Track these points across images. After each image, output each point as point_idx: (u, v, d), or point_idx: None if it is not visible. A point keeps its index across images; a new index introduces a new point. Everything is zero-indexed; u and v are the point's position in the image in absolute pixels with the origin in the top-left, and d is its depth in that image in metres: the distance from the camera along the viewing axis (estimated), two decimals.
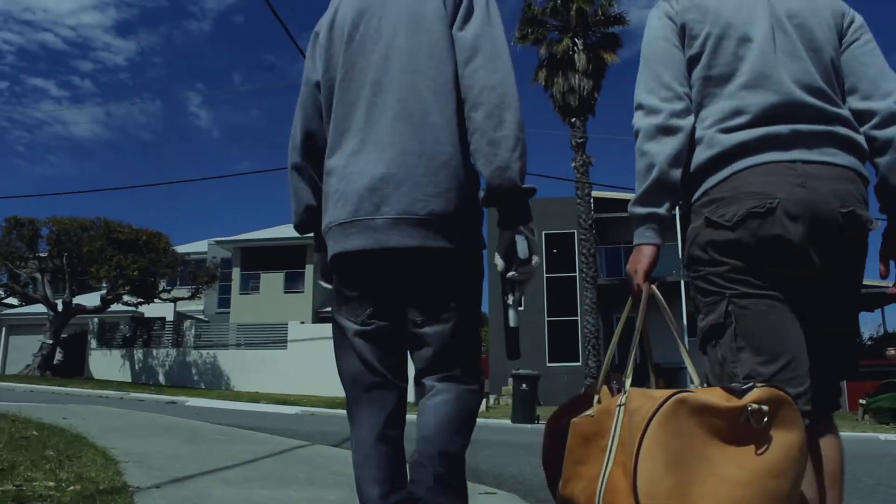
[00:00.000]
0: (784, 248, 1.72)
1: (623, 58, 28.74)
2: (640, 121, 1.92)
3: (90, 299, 25.76)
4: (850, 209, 1.72)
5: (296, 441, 6.44)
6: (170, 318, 29.55)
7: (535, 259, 1.78)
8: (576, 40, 24.74)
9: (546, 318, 28.91)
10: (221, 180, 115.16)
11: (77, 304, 23.71)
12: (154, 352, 26.01)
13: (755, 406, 1.51)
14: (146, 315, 29.79)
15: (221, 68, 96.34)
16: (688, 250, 1.93)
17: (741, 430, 1.51)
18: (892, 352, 30.55)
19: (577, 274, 27.76)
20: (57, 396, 15.97)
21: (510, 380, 15.74)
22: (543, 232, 31.84)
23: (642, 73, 1.97)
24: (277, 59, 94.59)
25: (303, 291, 33.81)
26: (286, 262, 34.10)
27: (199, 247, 37.84)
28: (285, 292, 34.03)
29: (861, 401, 20.93)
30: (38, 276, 22.44)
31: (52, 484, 3.00)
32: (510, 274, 1.77)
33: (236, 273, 34.44)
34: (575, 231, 26.95)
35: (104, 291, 23.84)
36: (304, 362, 23.96)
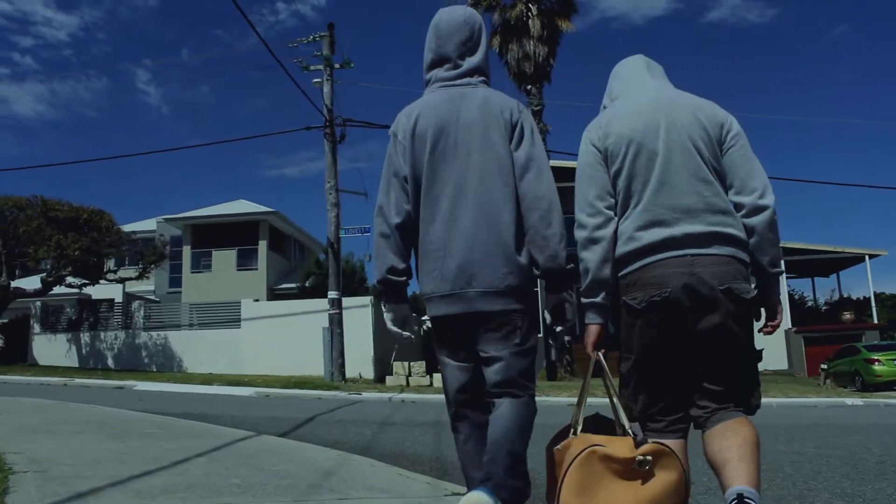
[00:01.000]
0: (676, 320, 2.38)
1: (579, 26, 28.27)
2: (575, 233, 2.54)
3: (31, 282, 24.61)
4: (727, 286, 2.35)
5: (239, 432, 5.84)
6: (119, 299, 28.51)
7: (575, 318, 2.55)
8: (530, 6, 24.08)
9: None
10: (171, 157, 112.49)
11: (16, 288, 22.57)
12: (102, 335, 24.98)
13: (641, 458, 2.24)
14: (94, 297, 28.69)
15: (169, 43, 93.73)
16: (614, 310, 2.55)
17: (633, 471, 2.24)
18: (848, 316, 30.83)
19: None
20: None
21: None
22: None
23: (576, 192, 2.56)
24: (226, 34, 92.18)
25: (256, 269, 32.95)
26: (238, 238, 33.16)
27: (147, 225, 36.60)
28: (238, 269, 33.16)
29: (822, 366, 20.95)
30: None
31: None
32: (558, 329, 2.58)
33: (187, 251, 33.45)
34: None
35: (45, 274, 22.68)
36: (258, 341, 23.22)
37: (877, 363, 21.44)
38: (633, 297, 2.44)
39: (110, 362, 24.59)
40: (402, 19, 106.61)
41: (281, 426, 7.22)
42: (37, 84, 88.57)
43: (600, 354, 2.53)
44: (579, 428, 2.43)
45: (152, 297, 33.27)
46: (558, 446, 2.41)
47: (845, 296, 35.29)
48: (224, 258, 33.31)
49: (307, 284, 28.15)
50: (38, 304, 25.50)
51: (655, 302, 2.38)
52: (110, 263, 25.80)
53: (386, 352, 22.94)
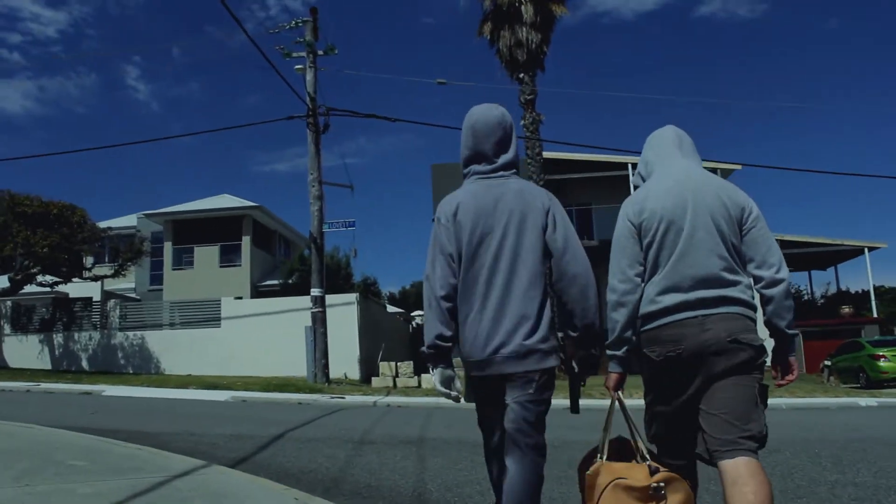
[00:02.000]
0: (688, 370, 2.81)
1: (569, 22, 27.34)
2: (608, 294, 3.00)
3: (1, 282, 23.55)
4: (735, 337, 2.75)
5: (184, 463, 4.92)
6: (97, 297, 27.46)
7: (598, 366, 3.05)
8: None
9: None
10: (159, 154, 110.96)
11: None
12: (76, 335, 23.95)
13: (656, 485, 2.74)
14: (72, 296, 27.63)
15: (159, 39, 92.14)
16: (639, 356, 2.99)
17: (649, 496, 2.73)
18: (847, 310, 30.09)
19: None
20: None
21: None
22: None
23: (611, 258, 3.01)
24: (218, 30, 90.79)
25: (239, 265, 31.92)
26: (221, 234, 32.11)
27: (128, 221, 35.48)
28: (221, 266, 32.12)
29: (826, 362, 20.15)
30: None
31: None
32: (584, 375, 3.06)
33: (168, 248, 32.39)
34: None
35: (13, 272, 21.60)
36: (240, 341, 22.27)
37: (882, 359, 20.65)
38: (652, 351, 2.88)
39: (84, 364, 23.59)
40: (387, 4, 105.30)
41: (242, 448, 6.30)
42: (25, 80, 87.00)
43: (620, 395, 3.04)
44: (604, 455, 2.93)
45: (133, 296, 32.20)
46: (589, 471, 2.88)
47: (843, 289, 34.57)
48: (206, 255, 32.26)
49: (290, 281, 27.17)
50: (9, 303, 24.45)
51: (671, 357, 2.81)
52: (89, 261, 24.79)
53: (372, 351, 22.03)
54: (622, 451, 2.99)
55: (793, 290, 3.86)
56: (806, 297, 35.31)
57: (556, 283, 2.88)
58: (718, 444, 2.71)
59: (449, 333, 2.86)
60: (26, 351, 23.80)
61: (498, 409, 2.88)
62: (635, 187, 3.23)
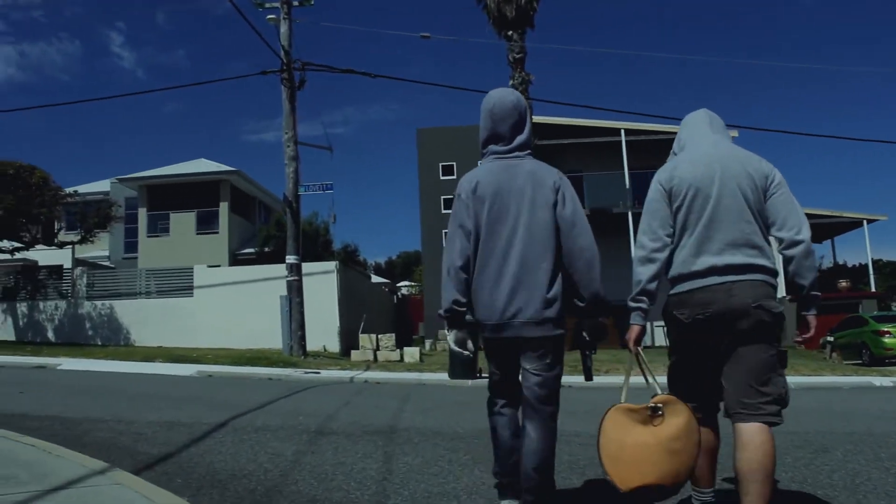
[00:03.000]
0: (713, 335, 3.00)
1: None
2: (636, 251, 3.19)
3: None
4: (759, 303, 2.92)
5: (83, 466, 3.83)
6: (68, 265, 26.16)
7: (607, 337, 3.34)
8: None
9: None
10: (142, 122, 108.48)
11: None
12: (41, 305, 22.70)
13: (654, 405, 2.95)
14: (41, 264, 26.34)
15: (144, 5, 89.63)
16: (664, 316, 3.21)
17: (649, 417, 2.94)
18: (844, 284, 29.16)
19: None
20: None
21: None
22: (479, 162, 29.31)
23: (642, 220, 3.20)
24: None
25: (217, 232, 30.69)
26: (198, 200, 30.82)
27: (101, 187, 34.04)
28: (198, 233, 30.89)
29: (828, 338, 19.21)
30: None
31: None
32: (594, 343, 3.29)
33: (142, 214, 31.13)
34: None
35: None
36: (213, 311, 21.10)
37: (887, 335, 19.73)
38: (681, 313, 3.08)
39: (51, 335, 22.38)
40: None
41: (170, 441, 5.18)
42: (5, 45, 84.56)
43: (640, 349, 3.17)
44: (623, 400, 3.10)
45: (106, 264, 30.90)
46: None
47: (840, 263, 33.66)
48: (183, 221, 31.00)
49: (266, 249, 25.91)
50: None
51: (699, 319, 3.01)
52: (62, 226, 23.46)
53: (353, 323, 20.91)
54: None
55: (773, 265, 3.25)
56: None
57: (565, 257, 3.10)
58: (740, 406, 2.92)
59: (464, 300, 3.11)
60: None
61: (508, 373, 3.22)
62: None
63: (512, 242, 3.09)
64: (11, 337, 22.28)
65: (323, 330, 20.21)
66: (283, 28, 18.19)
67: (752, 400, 2.88)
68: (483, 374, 13.06)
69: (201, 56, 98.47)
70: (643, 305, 3.11)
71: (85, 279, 22.61)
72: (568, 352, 3.25)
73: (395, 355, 17.22)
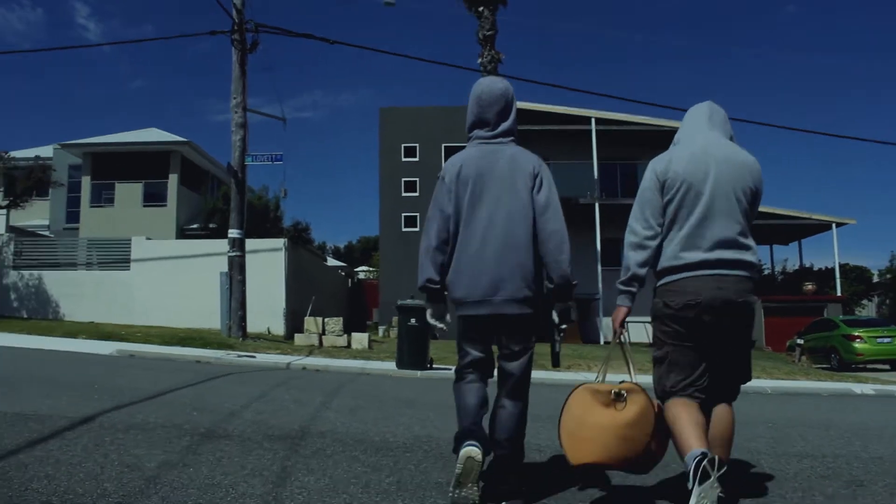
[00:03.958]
0: (702, 322, 3.12)
1: None
2: (627, 236, 3.29)
3: None
4: (744, 298, 3.13)
5: None
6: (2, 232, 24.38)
7: (575, 318, 5.74)
8: None
9: None
10: (104, 95, 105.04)
11: None
12: None
13: (618, 391, 3.08)
14: None
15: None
16: (652, 311, 3.29)
17: (611, 401, 3.07)
18: (810, 286, 28.57)
19: None
20: None
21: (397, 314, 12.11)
22: (443, 145, 28.15)
23: (635, 207, 3.30)
24: None
25: (165, 205, 29.13)
26: (146, 170, 29.27)
27: (45, 152, 32.12)
28: (145, 205, 29.33)
29: (798, 340, 18.44)
30: None
31: None
32: (563, 326, 3.38)
33: (86, 182, 29.44)
34: None
35: None
36: (152, 287, 19.63)
37: (858, 340, 19.04)
38: (671, 300, 3.18)
39: None
40: None
41: (30, 431, 3.91)
42: None
43: (625, 331, 3.37)
44: (604, 379, 3.33)
45: (46, 233, 29.11)
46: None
47: (806, 265, 33.11)
48: (129, 192, 29.40)
49: (211, 225, 24.41)
50: None
51: (690, 304, 3.12)
52: None
53: (302, 304, 19.61)
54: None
55: (758, 262, 3.42)
56: (767, 272, 33.74)
57: (538, 239, 3.25)
58: (721, 392, 3.26)
59: (437, 278, 3.33)
60: None
61: (483, 351, 3.36)
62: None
63: (492, 224, 3.22)
64: None
65: (268, 311, 18.91)
66: None
67: (732, 392, 3.32)
68: (434, 366, 11.92)
69: (168, 32, 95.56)
70: (633, 290, 3.27)
71: (12, 246, 20.93)
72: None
73: (342, 341, 15.99)
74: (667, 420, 3.08)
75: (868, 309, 33.27)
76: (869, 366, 19.47)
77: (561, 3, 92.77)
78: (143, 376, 7.96)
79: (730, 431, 3.20)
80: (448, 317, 3.42)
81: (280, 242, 19.77)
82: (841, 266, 29.91)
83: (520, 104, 26.33)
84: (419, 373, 11.29)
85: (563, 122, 27.09)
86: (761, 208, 3.77)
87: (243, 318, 16.01)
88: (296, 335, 16.53)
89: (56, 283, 20.43)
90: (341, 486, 3.40)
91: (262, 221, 21.33)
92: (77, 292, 20.14)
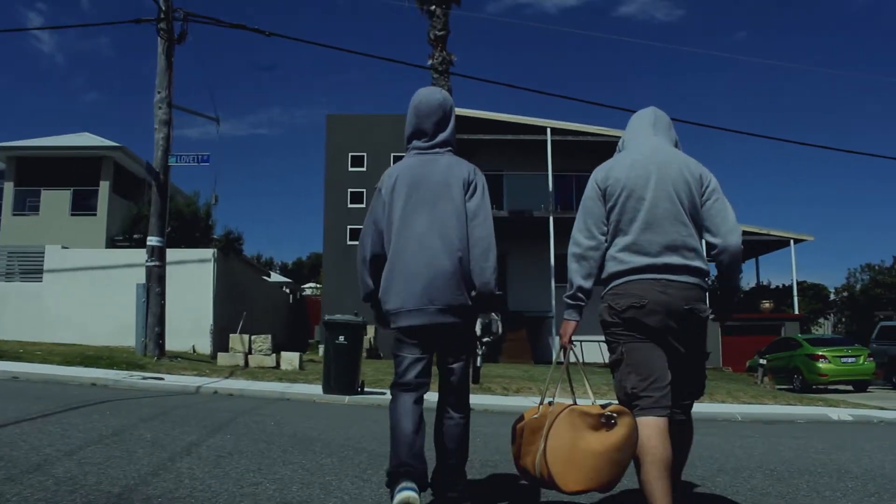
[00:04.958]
0: (647, 325, 3.05)
1: (492, 10, 23.83)
2: (570, 248, 3.25)
3: None
4: (690, 306, 3.05)
5: None
6: None
7: (500, 332, 3.47)
8: None
9: None
10: (60, 110, 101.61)
11: None
12: None
13: (609, 413, 2.92)
14: None
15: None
16: (600, 319, 3.21)
17: (601, 423, 2.92)
18: (767, 305, 27.82)
19: None
20: None
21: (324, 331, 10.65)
22: (393, 154, 26.83)
23: (577, 218, 3.27)
24: None
25: (95, 213, 27.23)
26: (75, 177, 27.35)
27: None
28: (73, 214, 27.40)
29: (760, 361, 17.44)
30: None
31: None
32: (485, 339, 3.44)
33: (8, 188, 27.43)
34: None
35: None
36: (67, 300, 17.93)
37: (821, 360, 18.14)
38: (616, 303, 3.11)
39: None
40: None
41: None
42: None
43: (573, 346, 3.28)
44: (554, 400, 3.25)
45: None
46: (535, 415, 3.21)
47: (763, 283, 32.43)
48: (56, 200, 27.49)
49: (136, 235, 22.61)
50: None
51: (634, 306, 3.05)
52: None
53: (234, 320, 18.04)
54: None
55: (711, 282, 3.26)
56: None
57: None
58: (676, 407, 3.10)
59: (372, 287, 3.37)
60: None
61: (419, 362, 3.25)
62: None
63: (427, 232, 3.21)
64: None
65: (194, 327, 17.37)
66: None
67: (687, 402, 3.21)
68: (365, 389, 10.54)
69: (124, 45, 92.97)
70: (580, 303, 3.21)
71: None
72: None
73: (271, 360, 14.49)
74: (638, 446, 2.92)
75: (824, 327, 32.69)
76: (831, 387, 18.61)
77: (520, 8, 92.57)
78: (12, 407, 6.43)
79: (687, 450, 3.24)
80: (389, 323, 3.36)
81: (208, 253, 18.24)
82: (798, 283, 29.24)
83: (471, 112, 25.31)
84: (346, 398, 9.89)
85: (517, 132, 25.95)
86: None
87: (161, 335, 14.45)
88: (219, 355, 14.98)
89: None
90: None
91: (191, 231, 19.72)
92: None
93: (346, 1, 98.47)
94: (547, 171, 25.49)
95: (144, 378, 10.94)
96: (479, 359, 3.42)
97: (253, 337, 14.84)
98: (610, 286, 3.16)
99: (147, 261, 14.71)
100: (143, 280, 14.59)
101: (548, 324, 23.55)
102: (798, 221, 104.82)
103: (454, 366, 3.26)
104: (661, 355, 3.04)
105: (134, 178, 29.46)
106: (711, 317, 3.22)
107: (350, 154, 28.30)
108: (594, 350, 23.10)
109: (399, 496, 2.88)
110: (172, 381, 10.99)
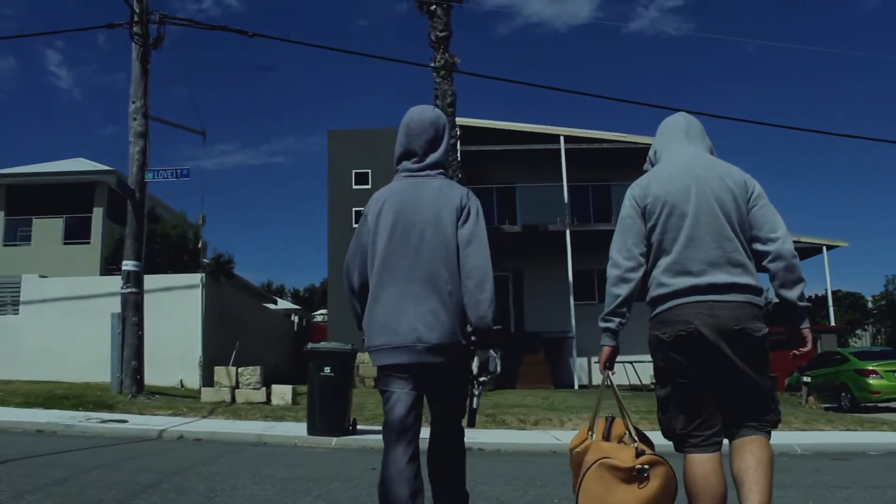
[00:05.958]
0: (696, 354, 2.85)
1: (503, 31, 22.59)
2: (609, 270, 3.06)
3: None
4: (742, 326, 2.81)
5: None
6: None
7: (499, 371, 3.17)
8: None
9: None
10: (69, 138, 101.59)
11: None
12: None
13: (640, 467, 2.78)
14: None
15: (83, 22, 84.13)
16: (649, 345, 3.01)
17: (633, 477, 2.78)
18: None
19: None
20: None
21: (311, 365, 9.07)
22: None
23: (616, 237, 3.07)
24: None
25: (88, 242, 25.97)
26: (68, 204, 26.17)
27: None
28: (66, 243, 26.15)
29: (804, 378, 15.76)
30: None
31: None
32: (482, 378, 3.05)
33: (0, 218, 26.26)
34: None
35: None
36: (43, 332, 16.53)
37: (873, 376, 16.39)
38: (663, 332, 2.91)
39: None
40: None
41: None
42: None
43: (609, 373, 3.13)
44: (595, 433, 3.07)
45: None
46: (578, 448, 3.05)
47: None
48: (48, 228, 26.25)
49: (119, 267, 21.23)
50: None
51: (682, 336, 2.84)
52: None
53: (226, 351, 16.55)
54: (612, 430, 3.07)
55: (766, 301, 2.89)
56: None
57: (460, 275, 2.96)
58: (735, 428, 2.90)
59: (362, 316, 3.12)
60: None
61: (409, 403, 2.92)
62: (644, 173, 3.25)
63: (416, 263, 2.96)
64: None
65: (182, 360, 16.00)
66: None
67: (748, 424, 2.90)
68: (357, 428, 9.01)
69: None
70: (612, 326, 3.05)
71: None
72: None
73: (260, 395, 12.97)
74: (685, 483, 2.83)
75: (863, 339, 30.81)
76: (881, 404, 16.88)
77: (526, 7, 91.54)
78: None
79: (764, 457, 2.82)
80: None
81: (196, 278, 16.82)
82: (833, 293, 27.47)
83: (478, 122, 23.82)
84: (334, 440, 8.38)
85: (528, 142, 24.42)
86: None
87: (139, 370, 13.03)
88: (203, 390, 13.47)
89: None
90: None
91: (179, 254, 18.36)
92: None
93: (349, 16, 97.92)
94: (562, 181, 23.88)
95: (104, 421, 9.48)
96: (475, 400, 2.72)
97: (240, 369, 13.33)
98: (655, 312, 3.00)
99: (122, 287, 13.33)
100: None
101: (568, 344, 21.87)
102: (830, 227, 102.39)
103: (447, 413, 3.03)
104: (711, 392, 2.90)
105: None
106: (792, 351, 3.11)
107: (354, 171, 26.97)
108: (619, 373, 21.52)
109: None
110: (138, 423, 9.52)
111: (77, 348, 16.08)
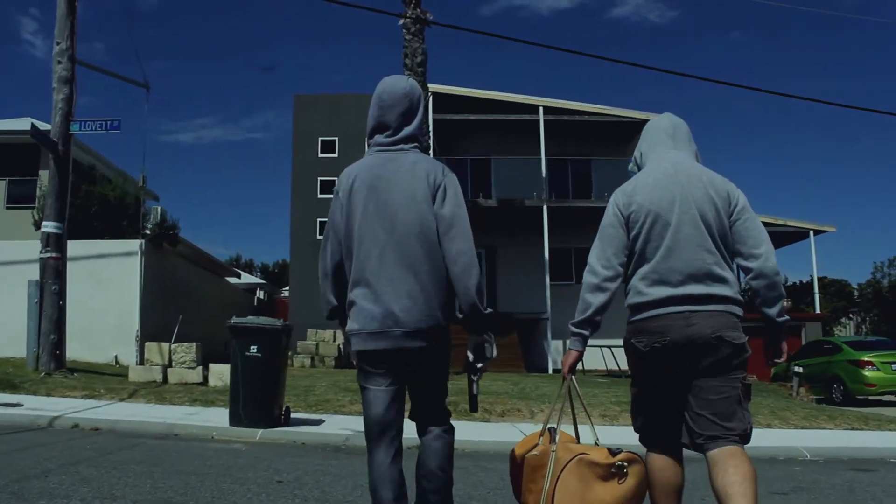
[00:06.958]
0: (669, 364, 2.83)
1: (485, 13, 21.02)
2: (586, 276, 3.00)
3: None
4: (718, 334, 2.75)
5: None
6: None
7: (495, 355, 2.92)
8: None
9: None
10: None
11: None
12: None
13: (619, 463, 2.78)
14: None
15: None
16: (625, 344, 3.01)
17: (611, 473, 2.78)
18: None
19: None
20: None
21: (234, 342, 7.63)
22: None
23: (596, 244, 3.01)
24: None
25: (34, 206, 24.20)
26: (11, 166, 24.42)
27: None
28: (8, 207, 24.47)
29: (795, 368, 14.61)
30: None
31: None
32: (479, 365, 2.89)
33: None
34: None
35: None
36: None
37: (868, 367, 15.27)
38: (639, 341, 2.89)
39: None
40: None
41: None
42: None
43: (573, 378, 3.06)
44: (557, 436, 2.97)
45: None
46: (534, 451, 2.96)
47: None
48: None
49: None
50: None
51: (657, 347, 2.82)
52: None
53: (169, 326, 15.04)
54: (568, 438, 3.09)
55: (736, 295, 2.66)
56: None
57: (445, 258, 2.83)
58: (703, 439, 2.78)
59: (337, 302, 2.96)
60: None
61: (390, 386, 2.82)
62: (630, 175, 3.23)
63: (390, 243, 2.80)
64: None
65: (118, 334, 14.47)
66: None
67: (716, 433, 2.78)
68: (291, 417, 7.62)
69: (116, 51, 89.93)
70: (585, 333, 3.00)
71: None
72: (456, 374, 3.16)
73: (196, 375, 11.51)
74: (649, 477, 2.92)
75: (848, 328, 29.89)
76: (872, 397, 15.80)
77: None
78: None
79: (746, 472, 2.65)
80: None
81: (135, 244, 15.25)
82: (819, 279, 26.41)
83: (453, 90, 22.16)
84: (259, 433, 6.99)
85: (505, 111, 23.02)
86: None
87: (59, 344, 11.53)
88: (132, 368, 11.98)
89: None
90: None
91: (118, 219, 16.79)
92: None
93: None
94: (540, 154, 22.51)
95: None
96: (475, 386, 2.51)
97: (174, 346, 11.85)
98: (632, 319, 2.96)
99: (41, 251, 11.79)
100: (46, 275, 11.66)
101: (542, 326, 20.61)
102: (818, 211, 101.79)
103: (428, 399, 2.89)
104: (677, 401, 2.88)
105: (80, 166, 26.47)
106: (773, 361, 3.08)
107: (320, 139, 25.45)
108: (597, 357, 20.35)
109: None
110: (34, 408, 8.05)
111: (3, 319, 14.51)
